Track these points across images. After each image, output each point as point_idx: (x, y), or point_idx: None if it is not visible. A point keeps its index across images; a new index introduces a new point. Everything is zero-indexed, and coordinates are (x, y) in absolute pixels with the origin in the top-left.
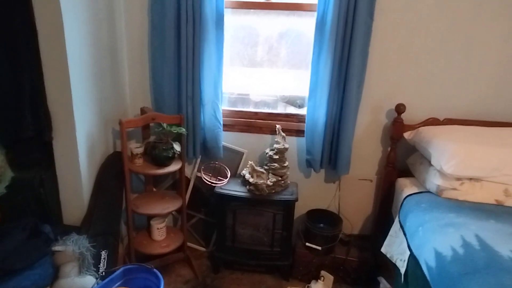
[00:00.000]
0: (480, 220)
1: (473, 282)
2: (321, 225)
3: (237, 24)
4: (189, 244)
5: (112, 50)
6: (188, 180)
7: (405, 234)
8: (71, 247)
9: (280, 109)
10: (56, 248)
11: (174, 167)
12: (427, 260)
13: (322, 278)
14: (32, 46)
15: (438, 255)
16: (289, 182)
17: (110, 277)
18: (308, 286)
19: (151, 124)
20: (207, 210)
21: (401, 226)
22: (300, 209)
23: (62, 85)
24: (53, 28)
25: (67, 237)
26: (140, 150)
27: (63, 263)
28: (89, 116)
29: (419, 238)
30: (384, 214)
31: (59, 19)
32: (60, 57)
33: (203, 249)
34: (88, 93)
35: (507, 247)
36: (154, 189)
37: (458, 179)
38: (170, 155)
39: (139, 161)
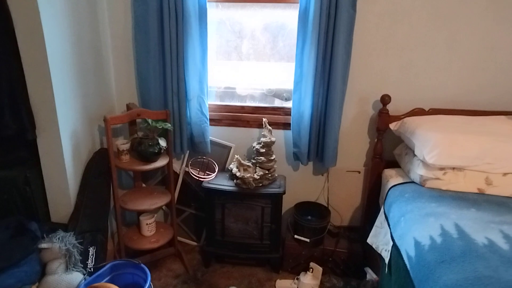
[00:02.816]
0: (461, 209)
1: (448, 270)
2: (309, 217)
3: (222, 18)
4: (180, 238)
5: (95, 47)
6: (177, 175)
7: (389, 225)
8: (57, 244)
9: (267, 103)
10: (42, 245)
11: (161, 162)
12: (407, 249)
13: (311, 269)
14: (9, 43)
15: (417, 245)
16: (276, 175)
17: (97, 273)
18: (297, 278)
19: (138, 120)
20: (197, 204)
21: (386, 217)
22: (289, 202)
23: (43, 83)
24: (30, 25)
25: (53, 235)
26: (126, 146)
27: (49, 260)
28: (73, 113)
29: (401, 228)
30: (372, 205)
31: (37, 16)
32: (40, 55)
33: (194, 243)
34: (71, 90)
35: (483, 234)
36: (144, 185)
37: (441, 168)
38: (156, 151)
39: (125, 158)
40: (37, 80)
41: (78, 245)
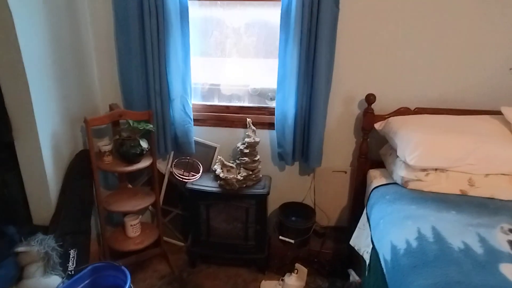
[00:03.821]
0: (441, 211)
1: (420, 275)
2: (293, 218)
3: (206, 16)
4: (168, 239)
5: (77, 47)
6: (163, 176)
7: (370, 227)
8: (35, 247)
9: (252, 102)
10: (20, 249)
11: (144, 163)
12: (384, 253)
13: (296, 271)
14: None
15: (394, 249)
16: (261, 175)
17: (77, 276)
18: (282, 279)
19: (122, 121)
20: (183, 205)
21: (368, 219)
22: (276, 202)
23: (19, 85)
24: (2, 23)
25: (32, 238)
26: (108, 147)
27: (27, 264)
28: (53, 114)
29: (380, 231)
30: (358, 205)
31: (8, 15)
32: (14, 55)
33: (181, 243)
34: (50, 92)
35: (459, 238)
36: (130, 186)
37: (424, 170)
38: (138, 152)
39: (108, 159)
40: (12, 81)
41: (57, 247)
